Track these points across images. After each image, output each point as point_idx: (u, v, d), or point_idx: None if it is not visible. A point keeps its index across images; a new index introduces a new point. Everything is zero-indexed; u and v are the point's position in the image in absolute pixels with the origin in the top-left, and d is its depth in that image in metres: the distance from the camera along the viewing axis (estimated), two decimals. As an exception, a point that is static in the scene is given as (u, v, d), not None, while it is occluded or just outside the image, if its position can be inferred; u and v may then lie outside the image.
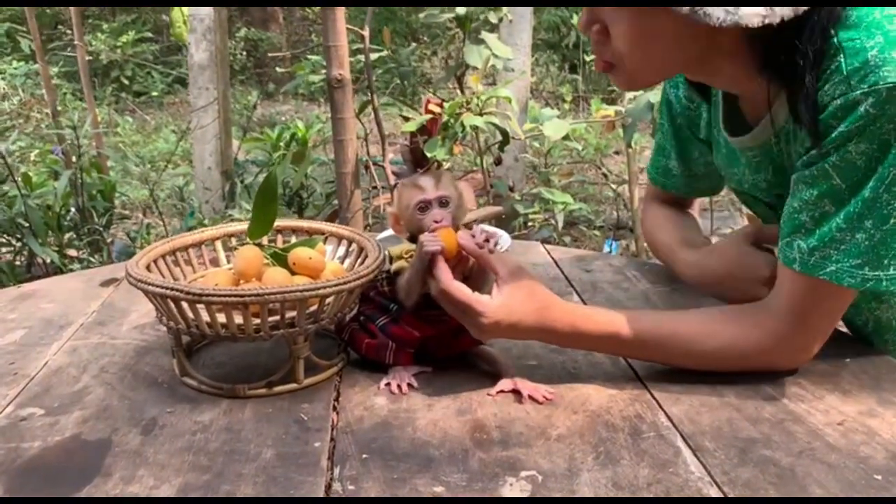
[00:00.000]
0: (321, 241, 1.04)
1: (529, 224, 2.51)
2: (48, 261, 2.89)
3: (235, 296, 0.87)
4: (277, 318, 0.93)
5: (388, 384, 0.98)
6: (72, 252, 3.22)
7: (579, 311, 0.98)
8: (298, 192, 2.91)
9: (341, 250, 1.13)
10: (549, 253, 1.51)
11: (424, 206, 0.97)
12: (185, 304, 0.91)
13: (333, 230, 1.13)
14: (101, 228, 2.98)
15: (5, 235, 2.99)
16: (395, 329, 1.01)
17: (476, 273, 0.98)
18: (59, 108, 3.85)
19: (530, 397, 0.95)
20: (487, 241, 0.95)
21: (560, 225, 2.57)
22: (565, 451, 0.84)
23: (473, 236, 0.96)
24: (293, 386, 0.97)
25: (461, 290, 0.92)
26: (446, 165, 2.47)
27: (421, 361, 1.02)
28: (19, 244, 3.04)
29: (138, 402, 0.95)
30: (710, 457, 0.83)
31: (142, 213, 3.45)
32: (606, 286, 1.33)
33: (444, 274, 0.93)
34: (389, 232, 1.03)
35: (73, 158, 3.27)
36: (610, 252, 3.31)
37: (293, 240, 1.15)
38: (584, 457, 0.83)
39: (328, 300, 0.94)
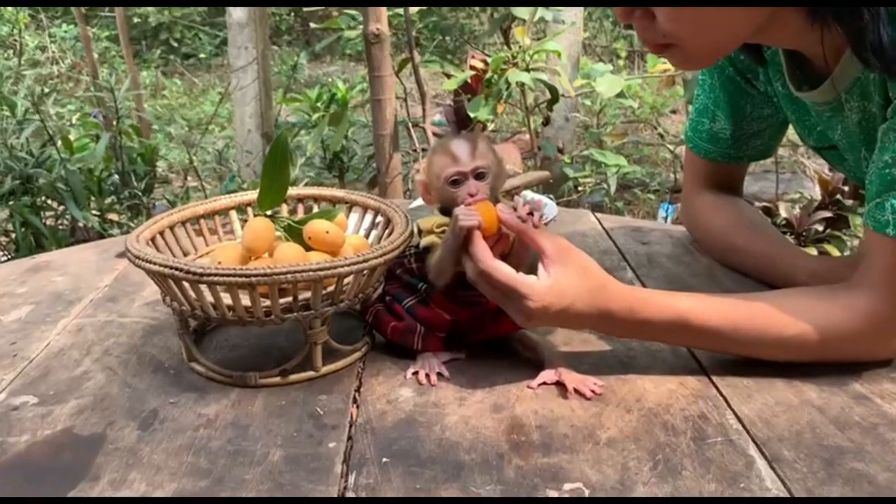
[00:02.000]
0: (342, 211, 0.93)
1: (580, 189, 2.37)
2: (89, 225, 2.86)
3: (240, 276, 0.77)
4: (290, 299, 0.82)
5: (415, 373, 0.88)
6: (113, 216, 3.19)
7: (639, 293, 0.85)
8: (339, 156, 2.81)
9: (367, 221, 1.02)
10: (599, 222, 1.37)
11: (458, 180, 0.85)
12: (186, 285, 0.81)
13: (357, 199, 1.01)
14: (140, 193, 2.93)
15: (47, 200, 2.96)
16: (424, 311, 0.90)
17: (516, 251, 0.86)
18: (103, 70, 3.81)
19: (576, 391, 0.83)
20: (532, 214, 0.83)
21: (612, 189, 2.42)
22: (617, 459, 0.72)
23: (515, 209, 0.84)
24: (310, 374, 0.87)
25: (503, 271, 0.80)
26: (490, 126, 2.33)
27: (453, 347, 0.91)
28: (61, 208, 3.01)
29: (139, 391, 0.86)
30: (789, 469, 0.71)
31: (183, 177, 3.40)
32: (665, 261, 1.19)
33: (483, 252, 0.81)
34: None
35: (114, 122, 3.22)
36: (666, 218, 3.14)
37: (315, 210, 1.04)
38: (639, 466, 0.71)
39: (347, 280, 0.83)
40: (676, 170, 3.50)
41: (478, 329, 0.91)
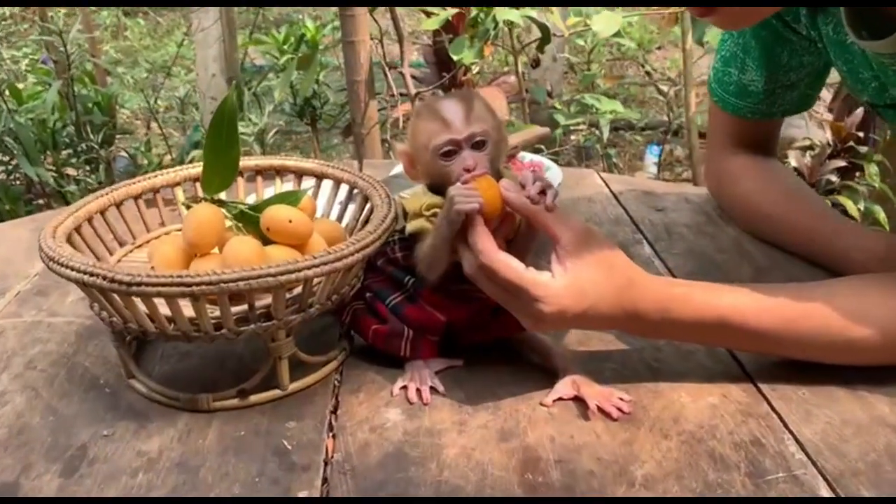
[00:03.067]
0: (308, 193, 0.76)
1: (573, 138, 2.20)
2: (44, 181, 2.65)
3: (177, 284, 0.60)
4: (244, 308, 0.66)
5: (403, 388, 0.72)
6: (70, 171, 2.97)
7: (673, 290, 0.70)
8: (310, 102, 2.61)
9: (341, 196, 0.85)
10: (606, 184, 1.21)
11: (451, 150, 0.69)
12: (115, 295, 0.64)
13: (328, 171, 0.84)
14: (96, 145, 2.71)
15: (-3, 155, 2.74)
16: (413, 311, 0.74)
17: (522, 236, 0.70)
18: (57, 11, 3.53)
19: (599, 409, 0.69)
20: (544, 192, 0.67)
21: (605, 137, 2.25)
22: (659, 508, 0.58)
23: (523, 185, 0.67)
24: (275, 394, 0.71)
25: (511, 266, 0.64)
26: (475, 70, 2.14)
27: (447, 351, 0.76)
28: (14, 163, 2.79)
29: (66, 419, 0.70)
30: (873, 518, 0.57)
31: (146, 126, 3.17)
32: (685, 231, 1.04)
33: (485, 242, 0.65)
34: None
35: (67, 68, 2.98)
36: (658, 164, 2.99)
37: (276, 186, 0.87)
38: (686, 517, 0.57)
39: (316, 281, 0.67)
40: (669, 111, 3.32)
41: (477, 329, 0.76)
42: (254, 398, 0.70)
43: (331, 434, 0.67)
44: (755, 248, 0.98)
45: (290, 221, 0.69)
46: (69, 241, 0.73)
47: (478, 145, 0.69)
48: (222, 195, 0.72)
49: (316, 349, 0.76)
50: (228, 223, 0.71)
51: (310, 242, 0.72)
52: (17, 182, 3.03)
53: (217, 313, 0.65)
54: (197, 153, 2.64)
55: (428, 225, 0.70)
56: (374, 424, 0.68)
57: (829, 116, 2.42)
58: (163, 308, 0.65)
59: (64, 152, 2.94)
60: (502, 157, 0.73)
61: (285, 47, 2.22)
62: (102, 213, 0.79)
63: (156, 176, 0.83)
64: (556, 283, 0.64)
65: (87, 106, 2.96)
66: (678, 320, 0.69)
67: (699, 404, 0.70)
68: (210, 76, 2.97)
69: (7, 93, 2.83)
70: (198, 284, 0.60)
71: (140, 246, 0.80)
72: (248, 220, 0.71)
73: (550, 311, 0.64)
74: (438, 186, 0.70)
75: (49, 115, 2.89)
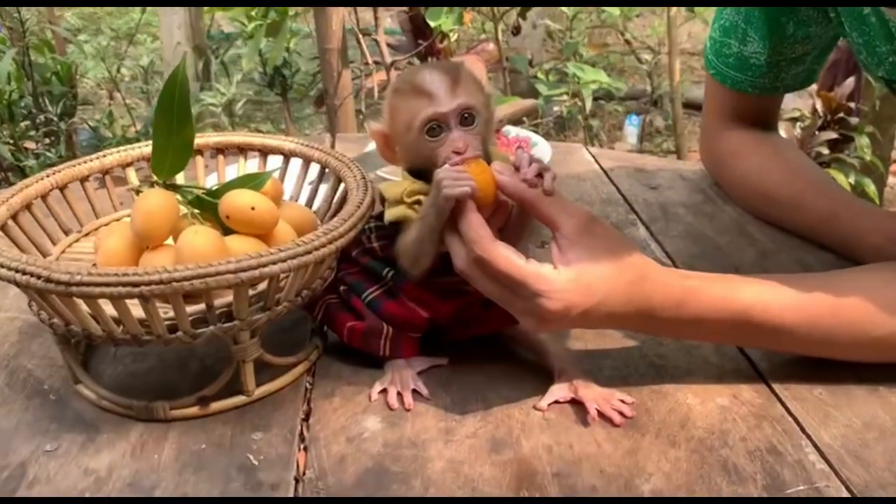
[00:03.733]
0: (274, 175, 0.68)
1: (554, 109, 2.12)
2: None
3: (123, 284, 0.53)
4: (201, 307, 0.58)
5: (383, 391, 0.65)
6: (29, 144, 2.84)
7: (688, 282, 0.63)
8: (280, 71, 2.50)
9: (311, 177, 0.78)
10: (595, 160, 1.14)
11: (437, 127, 0.61)
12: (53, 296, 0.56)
13: (297, 149, 0.76)
14: (55, 117, 2.59)
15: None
16: (392, 306, 0.67)
17: (514, 224, 0.63)
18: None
19: (600, 414, 0.62)
20: (541, 175, 0.60)
21: (588, 107, 2.18)
22: (670, 530, 0.52)
23: (517, 168, 0.60)
24: (239, 400, 0.64)
25: (510, 259, 0.57)
26: (453, 37, 2.05)
27: (431, 349, 0.69)
28: (-34, 139, 2.65)
29: (4, 433, 0.62)
30: (908, 539, 0.51)
31: (109, 97, 3.04)
32: (682, 212, 0.97)
33: (480, 231, 0.58)
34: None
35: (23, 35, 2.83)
36: (640, 137, 2.92)
37: (241, 165, 0.79)
38: (701, 540, 0.51)
39: (283, 277, 0.60)
40: (651, 80, 3.26)
41: (463, 324, 0.69)
42: (216, 406, 0.63)
43: (302, 446, 0.60)
44: (758, 229, 0.92)
45: (253, 208, 0.61)
46: (4, 230, 0.65)
47: (466, 120, 0.62)
48: (179, 178, 0.64)
49: (285, 348, 0.69)
50: (184, 210, 0.63)
51: (276, 232, 0.64)
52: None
53: (170, 316, 0.58)
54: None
55: (410, 213, 0.63)
56: (350, 434, 0.61)
57: (814, 86, 2.37)
58: (109, 308, 0.57)
59: (22, 124, 2.81)
60: (491, 136, 0.66)
61: (253, 13, 2.12)
62: (44, 197, 0.70)
63: (104, 155, 0.75)
64: (562, 277, 0.57)
65: (45, 76, 2.83)
66: (695, 317, 0.62)
67: (708, 406, 0.64)
68: (175, 44, 2.85)
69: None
70: (147, 284, 0.53)
71: (87, 234, 0.72)
72: (206, 206, 0.63)
73: (555, 308, 0.57)
74: (421, 170, 0.63)
75: (4, 85, 2.75)
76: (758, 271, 0.83)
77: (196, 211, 0.63)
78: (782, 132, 1.81)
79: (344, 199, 0.68)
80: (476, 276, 0.59)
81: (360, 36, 1.92)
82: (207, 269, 0.54)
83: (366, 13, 2.23)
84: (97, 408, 0.65)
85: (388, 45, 2.45)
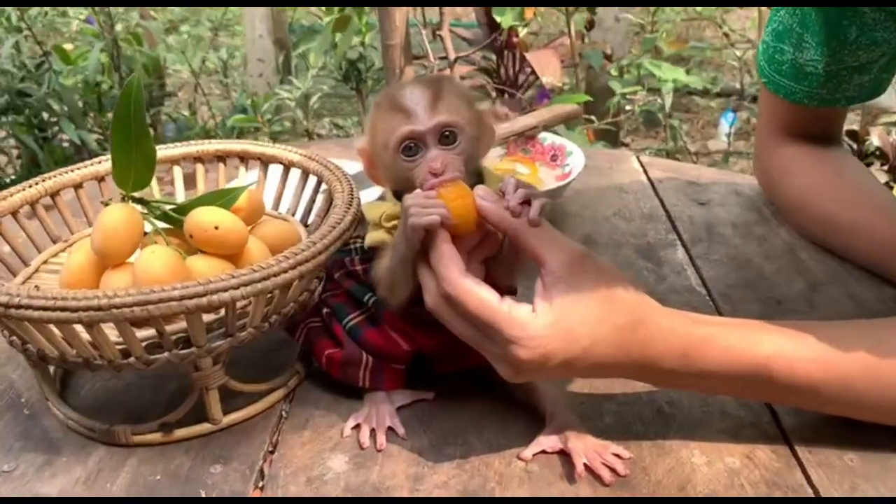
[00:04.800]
0: (251, 187, 0.64)
1: (627, 108, 2.02)
2: (87, 144, 2.62)
3: (59, 309, 0.50)
4: (152, 334, 0.55)
5: (356, 427, 0.61)
6: (117, 134, 2.93)
7: (696, 329, 0.55)
8: (355, 65, 2.49)
9: (308, 191, 0.73)
10: (644, 170, 1.05)
11: (414, 146, 0.55)
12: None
13: (295, 159, 0.72)
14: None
15: (43, 117, 2.72)
16: (372, 335, 0.62)
17: (505, 255, 0.57)
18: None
19: (588, 469, 0.55)
20: (528, 202, 0.53)
21: (668, 106, 2.06)
22: None
23: (503, 193, 0.54)
24: (205, 428, 0.60)
25: (479, 297, 0.51)
26: (523, 32, 1.97)
27: (418, 378, 0.64)
28: (56, 128, 2.77)
29: (-30, 448, 0.61)
30: None
31: (194, 90, 3.11)
32: (729, 232, 0.88)
33: (449, 265, 0.52)
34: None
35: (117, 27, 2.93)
36: (729, 134, 2.76)
37: (241, 175, 0.75)
38: None
39: (244, 302, 0.56)
40: (744, 75, 3.08)
41: (450, 358, 0.63)
42: (180, 433, 0.60)
43: (259, 485, 0.56)
44: (812, 257, 0.82)
45: (217, 228, 0.57)
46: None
47: (447, 140, 0.56)
48: (154, 191, 0.61)
49: (267, 370, 0.65)
50: (150, 227, 0.60)
51: (248, 252, 0.60)
52: (68, 144, 3.02)
53: (121, 342, 0.54)
54: (239, 118, 2.57)
55: (388, 238, 0.58)
56: (312, 475, 0.57)
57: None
58: (56, 331, 0.54)
59: (110, 114, 2.91)
60: (482, 156, 0.60)
61: (324, 8, 2.10)
62: (32, 205, 0.69)
63: (99, 162, 0.73)
64: (538, 322, 0.51)
65: (133, 68, 2.91)
66: (704, 370, 0.54)
67: (715, 468, 0.56)
68: (257, 37, 2.88)
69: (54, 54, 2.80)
70: (85, 310, 0.50)
71: (70, 245, 0.70)
72: (174, 223, 0.59)
73: (529, 358, 0.50)
74: (404, 192, 0.57)
75: (93, 76, 2.85)
76: (804, 305, 0.74)
77: (163, 227, 0.60)
78: (875, 139, 1.66)
79: (327, 215, 0.63)
80: (446, 314, 0.53)
81: (424, 32, 1.87)
82: (149, 296, 0.50)
83: (432, 10, 2.17)
84: (65, 426, 0.62)
85: (464, 38, 2.40)
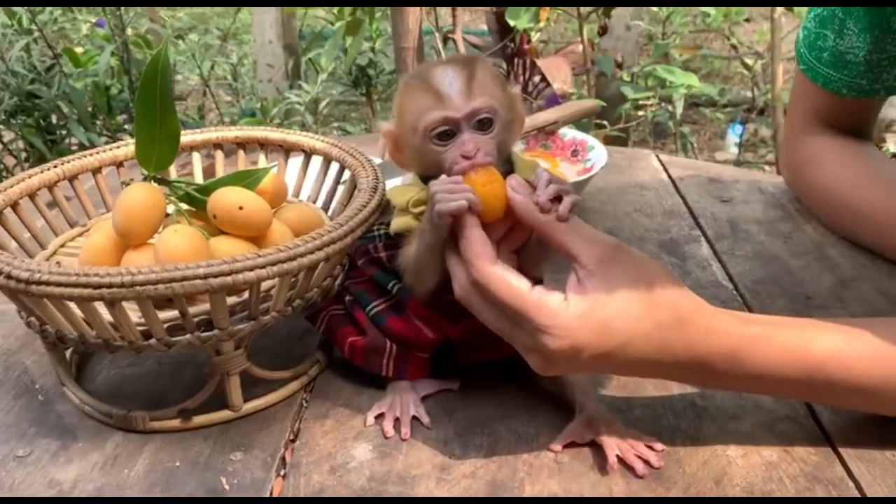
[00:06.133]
0: (273, 169, 0.63)
1: (640, 113, 2.01)
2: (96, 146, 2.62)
3: (81, 285, 0.48)
4: (174, 315, 0.53)
5: (379, 416, 0.59)
6: (126, 137, 2.93)
7: (746, 329, 0.52)
8: (365, 70, 2.48)
9: (330, 177, 0.72)
10: (664, 168, 1.04)
11: (448, 132, 0.54)
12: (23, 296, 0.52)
13: (317, 146, 0.71)
14: (149, 112, 2.66)
15: (52, 119, 2.71)
16: (397, 323, 0.60)
17: (533, 245, 0.55)
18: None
19: (621, 461, 0.54)
20: (559, 199, 0.51)
21: (679, 112, 2.05)
22: None
23: (534, 186, 0.52)
24: (225, 415, 0.59)
25: (509, 284, 0.49)
26: (535, 37, 1.96)
27: (441, 370, 0.62)
28: (65, 130, 2.76)
29: (-17, 434, 0.60)
30: None
31: (203, 94, 3.11)
32: (754, 229, 0.86)
33: (479, 251, 0.50)
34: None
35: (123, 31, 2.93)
36: (739, 144, 2.75)
37: (261, 159, 0.74)
38: None
39: (268, 284, 0.54)
40: (753, 86, 3.07)
41: (476, 347, 0.62)
42: (198, 420, 0.58)
43: (281, 473, 0.55)
44: (840, 252, 0.80)
45: (241, 208, 0.55)
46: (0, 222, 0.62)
47: (482, 125, 0.54)
48: (172, 172, 0.60)
49: (288, 359, 0.64)
50: (172, 208, 0.58)
51: (272, 234, 0.59)
52: (77, 147, 3.02)
53: (143, 322, 0.53)
54: (249, 121, 2.56)
55: (415, 224, 0.56)
56: (335, 463, 0.55)
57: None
58: (77, 310, 0.53)
59: (119, 117, 2.91)
60: (513, 142, 0.58)
61: (335, 11, 2.09)
62: (51, 188, 0.67)
63: (118, 147, 0.71)
64: (569, 311, 0.48)
65: (142, 71, 2.92)
66: (755, 372, 0.51)
67: (751, 460, 0.54)
68: (267, 42, 2.88)
69: (65, 56, 2.80)
70: (108, 286, 0.48)
71: (87, 230, 0.69)
72: (197, 204, 0.58)
73: (559, 347, 0.48)
74: (431, 177, 0.56)
75: (103, 79, 2.85)
76: (833, 301, 0.72)
77: (186, 208, 0.58)
78: (892, 146, 1.64)
79: (351, 201, 0.62)
80: (475, 303, 0.51)
81: (438, 36, 1.86)
82: (173, 273, 0.49)
83: (447, 11, 2.17)
84: (80, 412, 0.61)
85: (475, 45, 2.39)
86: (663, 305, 0.50)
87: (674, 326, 0.50)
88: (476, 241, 0.50)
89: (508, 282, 0.49)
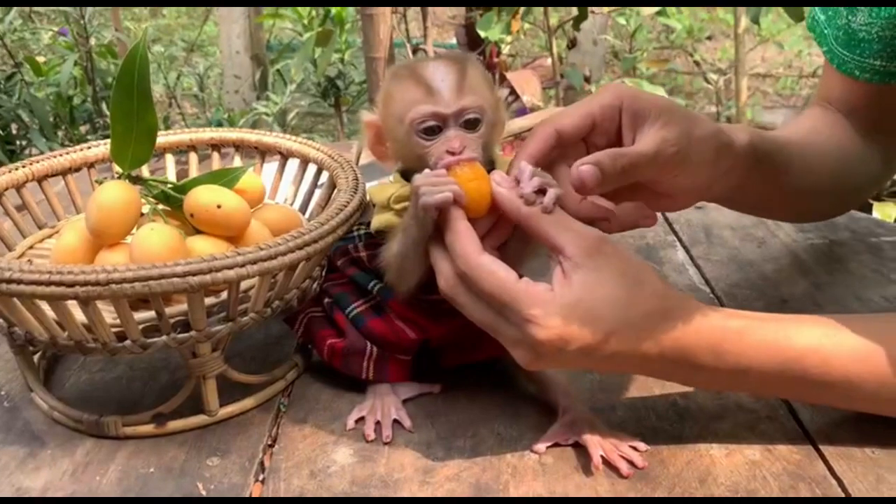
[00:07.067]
0: (251, 168, 0.62)
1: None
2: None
3: (54, 283, 0.47)
4: (150, 316, 0.52)
5: (360, 419, 0.58)
6: (89, 148, 2.88)
7: (730, 322, 0.52)
8: (334, 82, 2.47)
9: (307, 180, 0.71)
10: (637, 175, 1.04)
11: (434, 127, 0.53)
12: (-11, 291, 0.50)
13: (294, 148, 0.70)
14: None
15: (5, 129, 2.66)
16: (377, 324, 0.60)
17: (515, 240, 0.55)
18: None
19: (605, 462, 0.53)
20: (543, 191, 0.51)
21: (646, 125, 2.08)
22: None
23: (518, 181, 0.52)
24: (201, 420, 0.57)
25: (496, 274, 0.49)
26: (506, 49, 1.98)
27: (422, 373, 0.61)
28: (25, 140, 2.70)
29: (-54, 441, 0.57)
30: None
31: (168, 104, 3.07)
32: (728, 235, 0.87)
33: (466, 244, 0.50)
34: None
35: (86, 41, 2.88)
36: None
37: (236, 162, 0.73)
38: None
39: (247, 284, 0.53)
40: (717, 102, 3.12)
41: (459, 349, 0.61)
42: (173, 425, 0.57)
43: (260, 478, 0.53)
44: (812, 257, 0.81)
45: (219, 207, 0.54)
46: (-35, 221, 0.60)
47: (469, 124, 0.54)
48: (144, 173, 0.58)
49: (265, 363, 0.62)
50: (147, 207, 0.57)
51: (250, 234, 0.57)
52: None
53: (118, 323, 0.51)
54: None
55: (397, 221, 0.55)
56: (315, 468, 0.54)
57: None
58: (49, 311, 0.51)
59: (81, 128, 2.86)
60: (497, 140, 0.58)
61: (305, 21, 2.08)
62: (18, 188, 0.65)
63: (89, 147, 0.70)
64: (557, 301, 0.48)
65: (106, 81, 2.87)
66: (738, 366, 0.51)
67: (734, 460, 0.54)
68: (234, 52, 2.85)
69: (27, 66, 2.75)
70: (82, 284, 0.47)
71: (56, 232, 0.67)
72: (173, 203, 0.56)
73: (546, 339, 0.48)
74: (414, 172, 0.55)
75: (65, 89, 2.81)
76: (809, 304, 0.73)
77: (161, 207, 0.57)
78: None
79: (329, 202, 0.61)
80: (460, 296, 0.51)
81: (409, 48, 1.87)
82: (151, 271, 0.47)
83: (416, 23, 2.18)
84: (49, 419, 0.59)
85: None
86: (650, 296, 0.50)
87: (659, 317, 0.50)
88: (463, 234, 0.50)
89: (496, 272, 0.49)
